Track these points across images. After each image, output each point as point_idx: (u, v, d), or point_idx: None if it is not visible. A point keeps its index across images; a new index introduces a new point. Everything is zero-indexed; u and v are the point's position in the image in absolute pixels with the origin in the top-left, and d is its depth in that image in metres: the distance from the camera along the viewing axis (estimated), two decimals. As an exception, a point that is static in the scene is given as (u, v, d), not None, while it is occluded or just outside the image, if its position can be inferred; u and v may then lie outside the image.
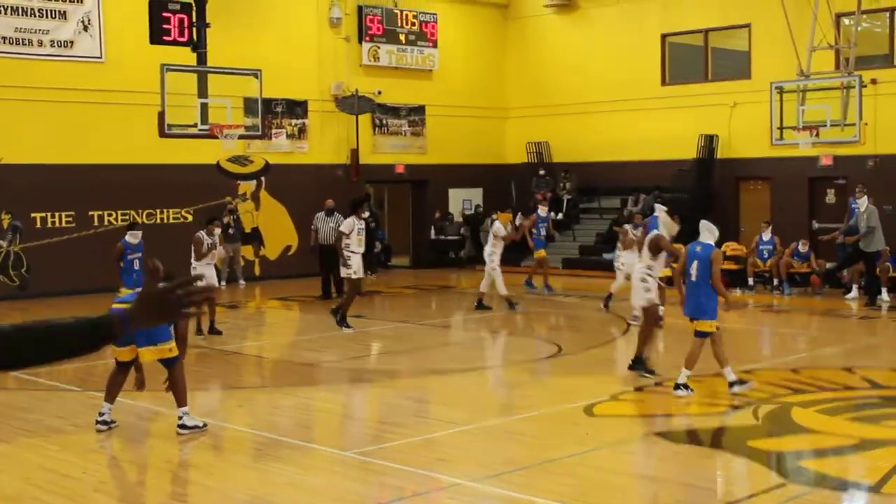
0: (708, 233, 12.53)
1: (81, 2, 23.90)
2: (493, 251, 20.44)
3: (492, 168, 32.18)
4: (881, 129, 24.63)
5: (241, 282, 26.03)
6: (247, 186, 27.28)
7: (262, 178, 27.51)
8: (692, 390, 12.18)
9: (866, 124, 23.65)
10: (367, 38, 29.33)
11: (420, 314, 20.83)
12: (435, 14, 30.81)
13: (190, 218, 25.13)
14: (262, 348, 17.38)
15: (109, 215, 24.59)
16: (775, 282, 23.10)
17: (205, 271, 16.77)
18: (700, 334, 12.30)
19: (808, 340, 17.49)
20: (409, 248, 31.79)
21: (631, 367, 13.54)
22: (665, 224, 13.74)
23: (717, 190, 27.47)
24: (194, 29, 20.00)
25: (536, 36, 32.07)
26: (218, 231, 17.38)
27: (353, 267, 17.58)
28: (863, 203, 21.22)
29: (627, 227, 19.94)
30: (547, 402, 12.57)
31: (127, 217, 24.28)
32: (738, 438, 10.63)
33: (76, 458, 10.06)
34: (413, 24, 30.25)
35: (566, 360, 15.50)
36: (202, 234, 17.10)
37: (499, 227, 20.55)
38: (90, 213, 24.33)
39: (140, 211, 24.89)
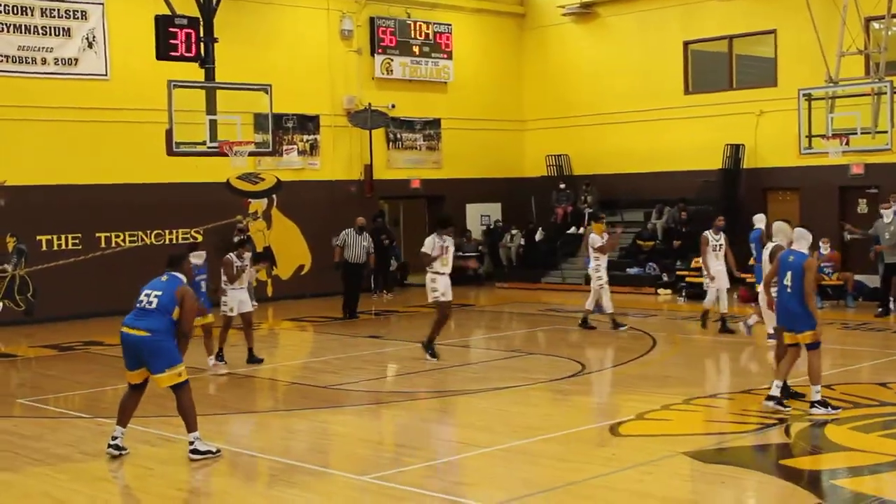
0: (803, 240, 12.11)
1: (86, 18, 23.65)
2: (597, 265, 19.41)
3: (510, 182, 31.74)
4: (913, 135, 23.94)
5: (253, 303, 25.39)
6: (258, 205, 26.95)
7: (274, 196, 27.16)
8: (835, 408, 11.79)
9: (899, 131, 23.01)
10: (380, 51, 28.97)
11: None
12: (449, 24, 30.40)
13: (200, 238, 24.76)
14: (275, 371, 17.04)
15: (117, 237, 24.36)
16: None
17: (237, 295, 16.76)
18: (811, 346, 11.80)
19: (841, 355, 16.92)
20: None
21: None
22: (784, 232, 13.04)
23: (744, 201, 26.80)
24: (202, 44, 19.66)
25: (554, 45, 31.68)
26: (248, 254, 17.19)
27: (441, 289, 16.62)
28: (888, 213, 20.93)
29: (707, 233, 18.88)
30: (570, 422, 12.36)
31: (135, 238, 24.14)
32: (771, 457, 10.43)
33: (85, 486, 9.85)
34: (427, 35, 29.88)
35: (590, 379, 15.36)
36: (232, 256, 16.88)
37: (594, 237, 19.59)
38: (97, 234, 24.07)
39: (148, 231, 24.73)
